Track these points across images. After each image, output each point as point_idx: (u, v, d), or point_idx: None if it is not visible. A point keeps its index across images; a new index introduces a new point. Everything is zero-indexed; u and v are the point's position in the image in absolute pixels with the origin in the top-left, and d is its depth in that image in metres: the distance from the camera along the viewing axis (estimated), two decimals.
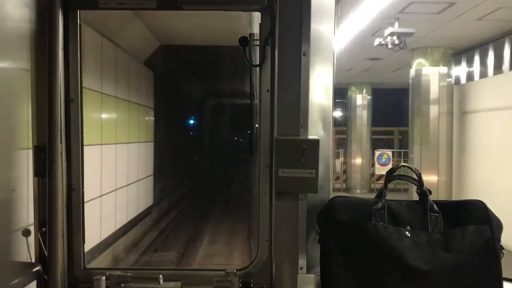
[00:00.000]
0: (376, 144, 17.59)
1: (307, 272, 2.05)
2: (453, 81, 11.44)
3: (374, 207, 1.85)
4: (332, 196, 2.01)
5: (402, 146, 17.84)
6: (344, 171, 17.96)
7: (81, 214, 2.12)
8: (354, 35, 9.66)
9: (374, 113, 17.80)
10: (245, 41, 2.06)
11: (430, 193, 1.88)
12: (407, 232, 1.80)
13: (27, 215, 2.05)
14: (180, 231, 9.44)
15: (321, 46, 2.03)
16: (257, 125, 2.19)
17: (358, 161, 17.36)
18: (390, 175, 1.97)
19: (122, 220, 7.12)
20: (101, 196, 6.20)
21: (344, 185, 17.75)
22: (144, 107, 8.83)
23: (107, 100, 6.59)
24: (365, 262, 1.81)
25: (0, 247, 0.80)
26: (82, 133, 2.11)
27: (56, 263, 2.00)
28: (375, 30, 9.54)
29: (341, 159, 17.89)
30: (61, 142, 2.01)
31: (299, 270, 2.05)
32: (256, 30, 2.17)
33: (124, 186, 7.31)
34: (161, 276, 1.94)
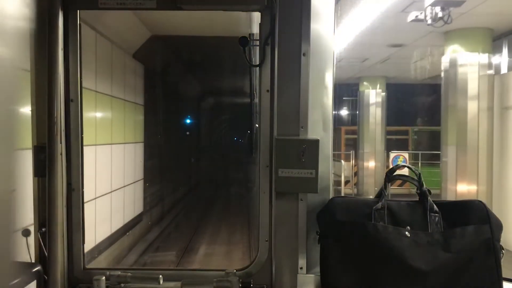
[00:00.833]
0: (388, 145, 16.00)
1: (307, 272, 2.05)
2: (493, 71, 9.56)
3: (374, 207, 1.86)
4: (332, 196, 2.01)
5: (417, 147, 16.82)
6: (355, 174, 16.34)
7: (81, 214, 2.12)
8: (375, 14, 8.03)
9: (388, 111, 15.98)
10: (245, 41, 2.07)
11: (430, 193, 1.89)
12: (407, 232, 1.80)
13: (27, 215, 2.05)
14: (172, 242, 8.75)
15: (321, 46, 2.03)
16: (257, 125, 2.19)
17: (371, 164, 15.64)
18: (390, 175, 1.97)
19: (105, 232, 6.37)
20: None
21: (355, 190, 16.17)
22: (132, 104, 7.95)
23: (85, 95, 5.95)
24: (365, 262, 1.82)
25: (0, 247, 0.80)
26: (82, 133, 2.11)
27: (56, 263, 2.01)
28: (408, 3, 7.81)
29: (352, 161, 16.20)
30: (61, 142, 2.01)
31: (299, 270, 2.05)
32: (256, 30, 2.17)
33: (107, 193, 6.58)
34: (161, 276, 1.94)
